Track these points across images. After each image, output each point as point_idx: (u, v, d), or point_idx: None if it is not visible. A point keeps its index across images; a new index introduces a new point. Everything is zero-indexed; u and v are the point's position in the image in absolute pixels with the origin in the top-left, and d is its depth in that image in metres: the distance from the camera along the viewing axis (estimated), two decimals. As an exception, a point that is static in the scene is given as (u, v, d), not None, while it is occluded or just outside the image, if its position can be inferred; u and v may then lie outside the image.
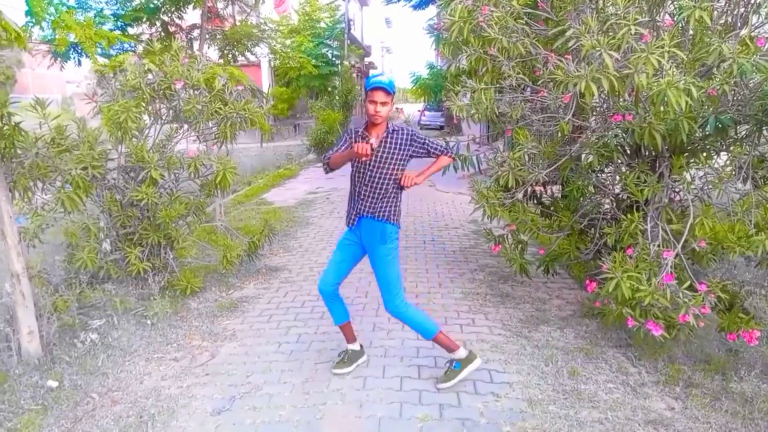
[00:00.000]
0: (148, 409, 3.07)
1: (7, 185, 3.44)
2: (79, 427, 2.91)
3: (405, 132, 3.10)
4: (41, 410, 3.03)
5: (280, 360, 3.64)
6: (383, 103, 2.96)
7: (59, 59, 6.45)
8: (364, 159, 2.91)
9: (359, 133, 3.11)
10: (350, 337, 3.48)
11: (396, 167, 3.07)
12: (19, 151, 3.60)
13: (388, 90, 2.96)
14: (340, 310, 3.36)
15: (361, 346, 3.55)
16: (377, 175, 3.06)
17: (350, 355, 3.47)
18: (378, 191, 3.09)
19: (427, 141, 3.16)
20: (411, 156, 3.13)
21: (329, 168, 3.15)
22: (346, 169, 3.21)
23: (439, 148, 3.22)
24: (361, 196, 3.13)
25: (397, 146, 3.06)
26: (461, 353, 3.23)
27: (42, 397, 3.15)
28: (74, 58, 6.54)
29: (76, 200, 3.83)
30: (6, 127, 3.42)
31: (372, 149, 2.86)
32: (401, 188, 3.14)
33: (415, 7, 14.17)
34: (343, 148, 3.14)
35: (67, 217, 4.20)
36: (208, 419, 2.97)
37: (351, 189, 3.23)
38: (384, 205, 3.11)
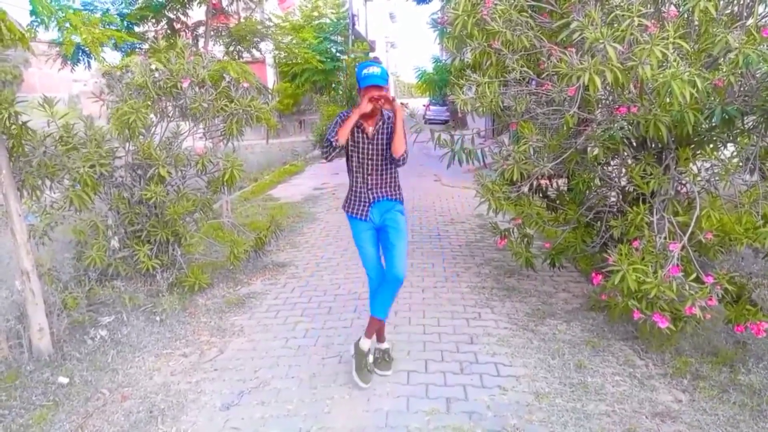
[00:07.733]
0: (157, 404, 3.11)
1: (15, 184, 3.47)
2: (90, 423, 2.95)
3: (390, 115, 3.18)
4: (52, 406, 3.08)
5: (287, 355, 3.67)
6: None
7: (68, 62, 6.49)
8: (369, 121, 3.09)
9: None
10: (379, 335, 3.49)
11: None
12: (27, 150, 3.64)
13: (381, 84, 3.01)
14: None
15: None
16: (381, 161, 3.18)
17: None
18: (385, 176, 3.23)
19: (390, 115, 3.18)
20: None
21: (337, 144, 3.01)
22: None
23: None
24: (370, 186, 3.22)
25: (390, 130, 3.15)
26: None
27: (53, 393, 3.19)
28: (83, 60, 6.57)
29: (85, 198, 3.87)
30: (14, 126, 3.45)
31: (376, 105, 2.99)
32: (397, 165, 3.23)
33: (419, 1, 14.10)
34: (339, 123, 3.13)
35: (75, 215, 4.24)
36: (217, 414, 3.01)
37: (356, 183, 3.26)
38: (393, 186, 3.27)
